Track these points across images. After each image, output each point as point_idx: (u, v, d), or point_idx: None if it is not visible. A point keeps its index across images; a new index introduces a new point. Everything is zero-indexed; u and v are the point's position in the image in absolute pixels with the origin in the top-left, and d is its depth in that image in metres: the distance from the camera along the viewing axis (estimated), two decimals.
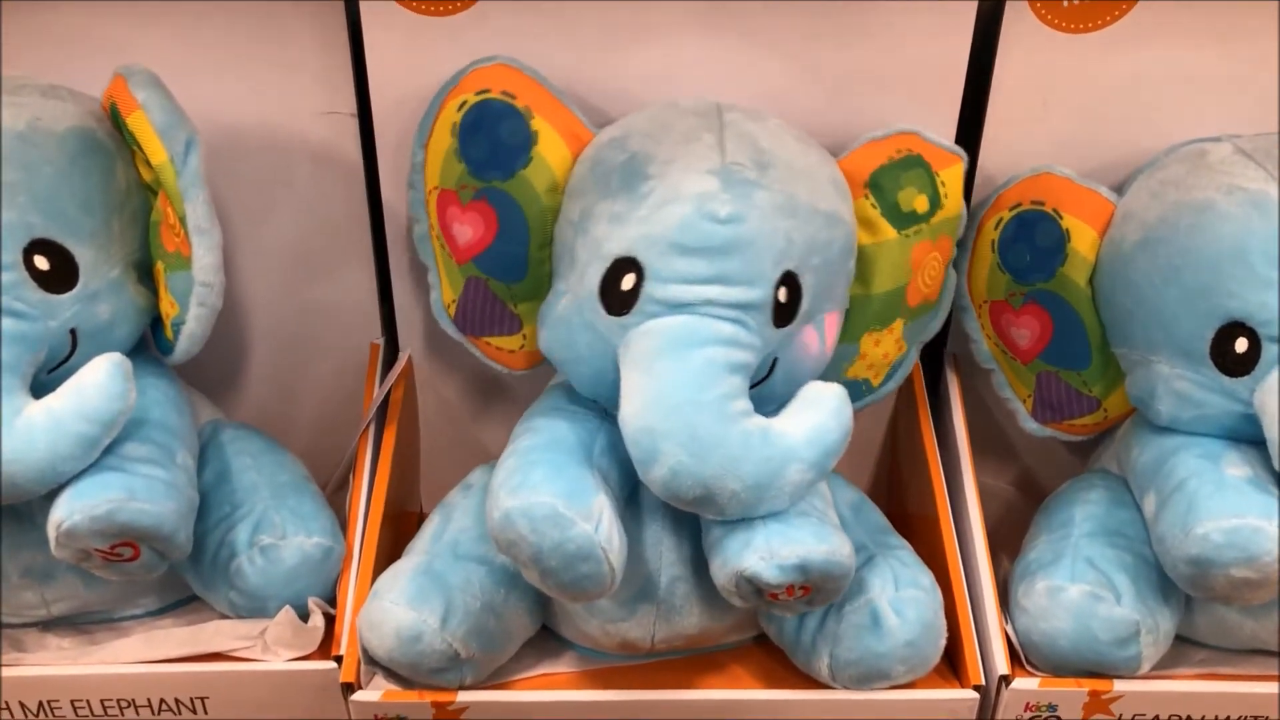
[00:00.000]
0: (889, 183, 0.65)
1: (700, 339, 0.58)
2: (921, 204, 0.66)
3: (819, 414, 0.59)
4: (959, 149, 0.67)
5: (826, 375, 0.66)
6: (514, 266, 0.67)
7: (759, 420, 0.58)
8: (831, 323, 0.64)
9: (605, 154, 0.63)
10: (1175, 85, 0.69)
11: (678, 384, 0.57)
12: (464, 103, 0.65)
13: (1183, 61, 0.68)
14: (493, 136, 0.65)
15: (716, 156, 0.60)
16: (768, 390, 0.62)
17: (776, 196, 0.60)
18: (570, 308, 0.62)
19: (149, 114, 0.62)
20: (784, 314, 0.61)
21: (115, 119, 0.65)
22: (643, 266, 0.59)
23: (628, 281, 0.59)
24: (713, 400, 0.57)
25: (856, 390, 0.70)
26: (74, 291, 0.63)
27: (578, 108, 0.66)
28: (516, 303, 0.68)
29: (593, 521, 0.57)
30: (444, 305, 0.70)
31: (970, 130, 0.71)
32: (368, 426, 0.74)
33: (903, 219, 0.66)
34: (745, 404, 0.58)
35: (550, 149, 0.65)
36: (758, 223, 0.59)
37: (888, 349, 0.69)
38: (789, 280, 0.60)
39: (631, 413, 0.58)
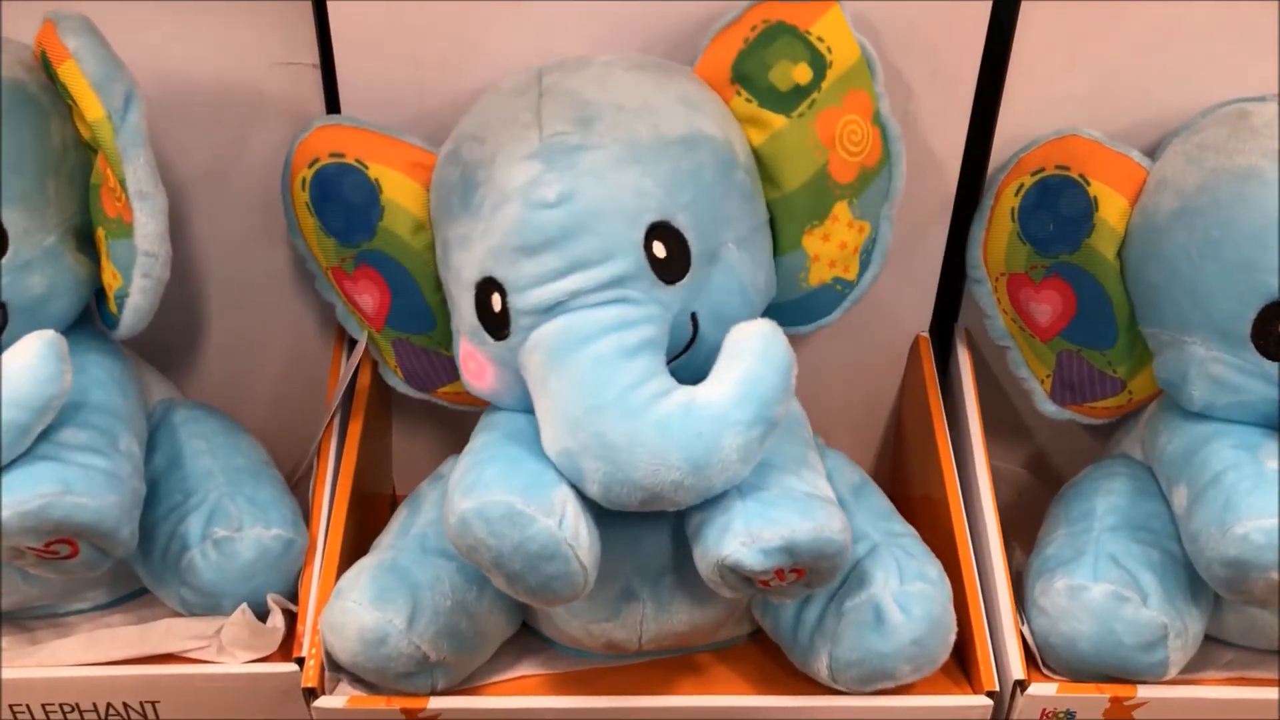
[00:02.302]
0: (754, 67, 0.60)
1: (580, 338, 0.54)
2: (802, 74, 0.60)
3: (745, 361, 0.54)
4: None
5: (784, 294, 0.62)
6: (422, 318, 0.65)
7: (677, 397, 0.54)
8: (747, 246, 0.59)
9: (444, 173, 0.60)
10: (1215, 38, 0.64)
11: (573, 395, 0.54)
12: (304, 180, 0.63)
13: (1223, 12, 0.64)
14: (340, 201, 0.63)
15: (534, 135, 0.56)
16: (705, 347, 0.57)
17: (610, 150, 0.56)
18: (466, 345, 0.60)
19: (81, 64, 0.57)
20: (672, 267, 0.56)
21: (48, 70, 0.59)
22: (501, 283, 0.56)
23: (496, 302, 0.57)
24: (613, 399, 0.53)
25: (831, 295, 0.64)
26: (3, 261, 0.58)
27: (415, 136, 0.63)
28: (444, 349, 0.66)
29: (555, 516, 0.53)
30: (393, 371, 0.69)
31: (990, 88, 0.67)
32: (334, 406, 0.69)
33: (786, 99, 0.60)
34: (657, 384, 0.54)
35: (398, 190, 0.62)
36: (595, 189, 0.55)
37: (844, 237, 0.63)
38: (660, 231, 0.55)
39: (548, 440, 0.55)
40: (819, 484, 0.59)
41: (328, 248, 0.64)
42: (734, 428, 0.53)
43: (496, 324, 0.57)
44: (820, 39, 0.60)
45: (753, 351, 0.54)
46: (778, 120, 0.60)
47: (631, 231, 0.55)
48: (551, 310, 0.55)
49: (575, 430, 0.53)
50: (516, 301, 0.55)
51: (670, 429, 0.53)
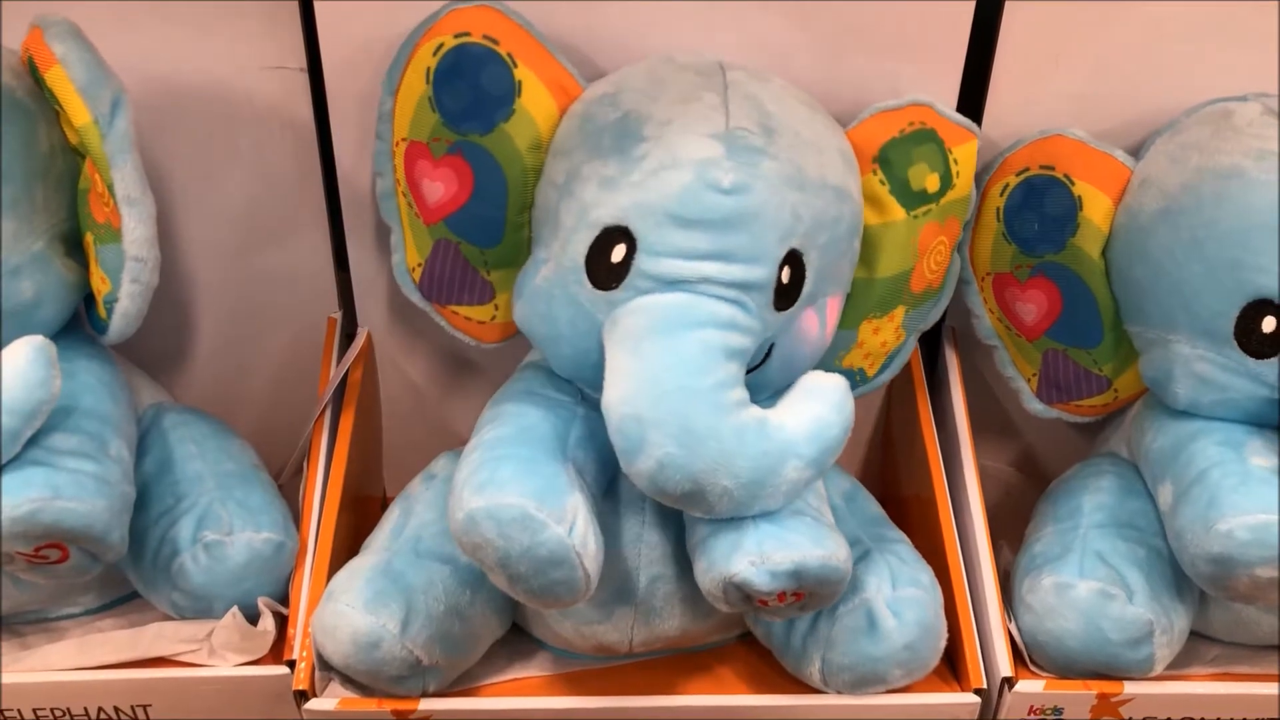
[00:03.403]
0: (900, 158, 0.61)
1: (695, 320, 0.54)
2: (933, 183, 0.62)
3: (820, 406, 0.55)
4: (974, 125, 0.63)
5: (820, 363, 0.62)
6: (489, 230, 0.62)
7: (755, 411, 0.54)
8: (833, 307, 0.61)
9: (596, 110, 0.58)
10: (1198, 38, 0.65)
11: (669, 368, 0.53)
12: (440, 46, 0.59)
13: (1206, 12, 0.64)
14: (472, 84, 0.59)
15: (720, 119, 0.56)
16: (762, 378, 0.58)
17: (784, 167, 0.56)
18: (551, 279, 0.58)
19: (68, 70, 0.56)
20: (786, 296, 0.56)
21: (34, 75, 0.59)
22: (635, 237, 0.55)
23: (618, 253, 0.55)
24: (707, 388, 0.53)
25: (850, 380, 0.65)
26: None
27: (567, 59, 0.61)
28: (490, 269, 0.64)
29: (566, 524, 0.53)
30: (408, 269, 0.66)
31: (975, 87, 0.67)
32: (324, 410, 0.69)
33: (912, 198, 0.62)
34: (742, 393, 0.54)
35: (535, 102, 0.60)
36: (764, 195, 0.55)
37: (886, 337, 0.66)
38: (793, 259, 0.56)
39: (617, 398, 0.53)
40: (823, 509, 0.59)
41: (425, 122, 0.61)
42: (796, 461, 0.54)
43: (608, 273, 0.55)
44: (956, 161, 0.62)
45: (827, 399, 0.55)
46: (898, 212, 0.61)
47: (777, 247, 0.55)
48: (675, 284, 0.54)
49: (659, 401, 0.52)
50: (645, 262, 0.55)
51: (746, 439, 0.53)
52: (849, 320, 0.63)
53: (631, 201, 0.55)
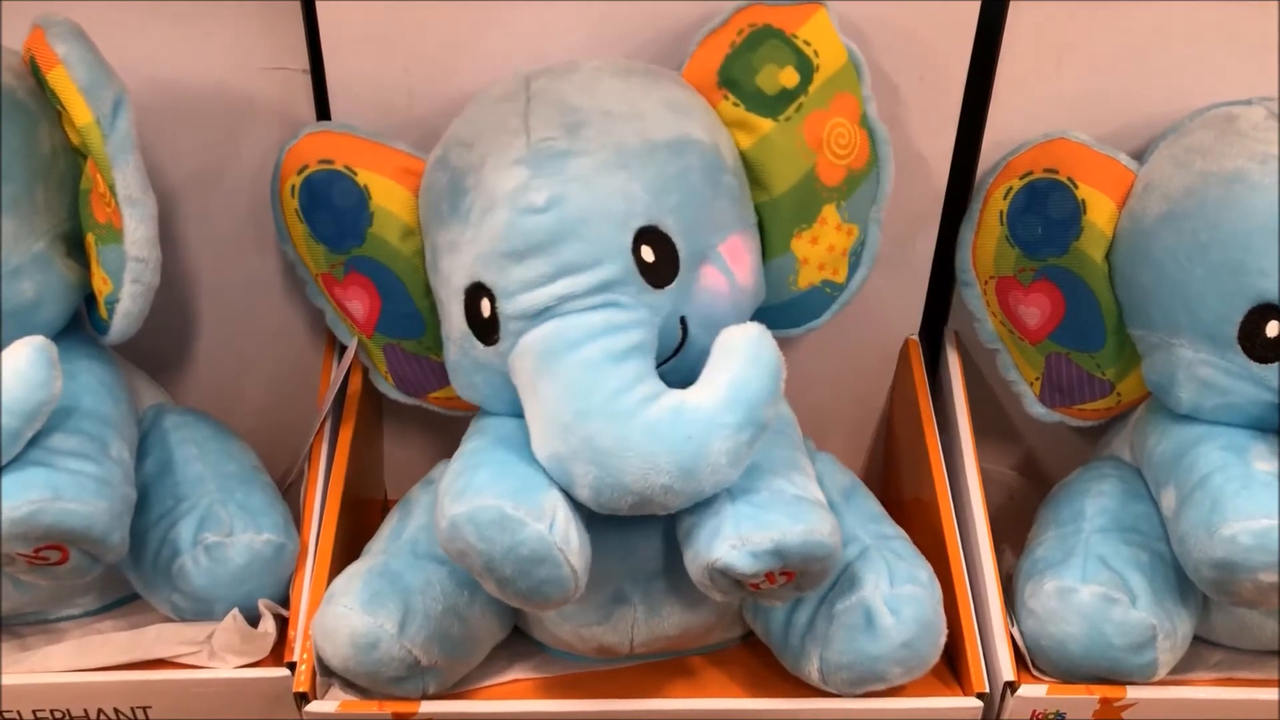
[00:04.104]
0: (742, 71, 0.60)
1: (570, 342, 0.54)
2: (789, 77, 0.60)
3: (733, 366, 0.54)
4: None
5: (774, 297, 0.62)
6: (411, 323, 0.65)
7: (666, 401, 0.54)
8: (736, 250, 0.59)
9: (433, 180, 0.61)
10: (1202, 41, 0.65)
11: (562, 399, 0.54)
12: (293, 187, 0.64)
13: (1211, 15, 0.64)
14: (329, 208, 0.63)
15: (522, 141, 0.56)
16: (692, 351, 0.57)
17: (598, 155, 0.56)
18: (457, 352, 0.60)
19: (71, 70, 0.57)
20: (660, 271, 0.56)
21: (36, 76, 0.59)
22: (490, 288, 0.56)
23: (485, 308, 0.57)
24: (601, 403, 0.53)
25: (820, 297, 0.64)
26: None
27: (402, 142, 0.63)
28: (434, 354, 0.66)
29: (545, 520, 0.53)
30: (383, 376, 0.69)
31: (979, 91, 0.67)
32: (325, 410, 0.69)
33: (773, 103, 0.60)
34: (646, 388, 0.54)
35: (386, 197, 0.62)
36: (582, 195, 0.55)
37: (832, 241, 0.63)
38: (648, 236, 0.56)
39: (537, 444, 0.55)
40: (809, 487, 0.59)
41: (317, 254, 0.64)
42: (722, 431, 0.53)
43: (486, 329, 0.57)
44: (807, 42, 0.60)
45: (742, 355, 0.54)
46: (765, 124, 0.60)
47: (619, 236, 0.55)
48: (540, 315, 0.55)
49: (565, 434, 0.53)
50: (505, 307, 0.55)
51: (659, 433, 0.53)
52: (775, 246, 0.62)
53: (473, 256, 0.56)
